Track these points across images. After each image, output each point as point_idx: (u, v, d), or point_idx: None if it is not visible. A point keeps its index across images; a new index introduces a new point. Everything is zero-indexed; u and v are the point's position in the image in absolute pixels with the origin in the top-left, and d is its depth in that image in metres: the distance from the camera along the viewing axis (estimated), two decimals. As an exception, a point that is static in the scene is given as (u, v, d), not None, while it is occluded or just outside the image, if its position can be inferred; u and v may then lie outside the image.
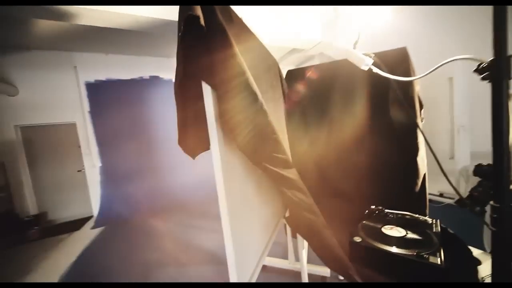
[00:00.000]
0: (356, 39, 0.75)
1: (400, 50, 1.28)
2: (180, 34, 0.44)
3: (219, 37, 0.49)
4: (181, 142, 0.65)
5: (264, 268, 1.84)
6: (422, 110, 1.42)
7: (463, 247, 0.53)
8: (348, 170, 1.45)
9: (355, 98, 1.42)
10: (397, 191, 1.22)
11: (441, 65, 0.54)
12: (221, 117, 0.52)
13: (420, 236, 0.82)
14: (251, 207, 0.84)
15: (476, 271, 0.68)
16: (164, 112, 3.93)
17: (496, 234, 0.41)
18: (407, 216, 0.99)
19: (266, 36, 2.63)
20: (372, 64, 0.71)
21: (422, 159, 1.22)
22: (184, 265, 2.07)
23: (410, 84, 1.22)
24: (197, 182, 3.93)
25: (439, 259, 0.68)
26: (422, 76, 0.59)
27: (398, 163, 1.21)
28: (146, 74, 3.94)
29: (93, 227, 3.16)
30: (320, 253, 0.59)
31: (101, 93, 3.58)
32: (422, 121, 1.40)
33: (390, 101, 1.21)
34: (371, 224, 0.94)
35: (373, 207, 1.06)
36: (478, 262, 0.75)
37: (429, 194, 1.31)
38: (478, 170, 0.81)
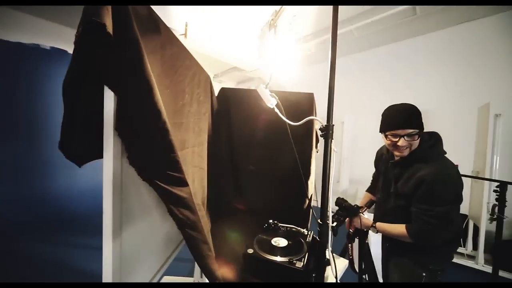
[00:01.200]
0: (268, 82, 0.92)
1: (308, 94, 1.65)
2: (76, 35, 0.41)
3: (130, 49, 0.49)
4: (65, 146, 0.55)
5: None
6: (318, 144, 1.84)
7: (322, 252, 0.71)
8: (260, 189, 1.64)
9: (274, 125, 1.67)
10: (292, 208, 1.49)
11: (307, 119, 0.76)
12: (118, 123, 0.50)
13: (296, 246, 1.03)
14: (149, 221, 0.79)
15: (324, 270, 0.92)
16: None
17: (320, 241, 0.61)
18: (293, 229, 1.22)
19: (210, 49, 2.69)
20: (276, 105, 0.89)
21: (312, 183, 1.57)
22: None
23: (311, 124, 1.57)
24: (87, 189, 3.14)
25: (302, 263, 0.88)
26: (301, 123, 0.80)
27: (295, 184, 1.49)
28: (46, 43, 3.00)
29: None
30: (199, 264, 0.65)
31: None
32: (317, 152, 1.81)
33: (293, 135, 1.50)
34: (264, 237, 1.09)
35: (270, 221, 1.25)
36: (327, 262, 1.03)
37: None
38: (336, 201, 1.16)
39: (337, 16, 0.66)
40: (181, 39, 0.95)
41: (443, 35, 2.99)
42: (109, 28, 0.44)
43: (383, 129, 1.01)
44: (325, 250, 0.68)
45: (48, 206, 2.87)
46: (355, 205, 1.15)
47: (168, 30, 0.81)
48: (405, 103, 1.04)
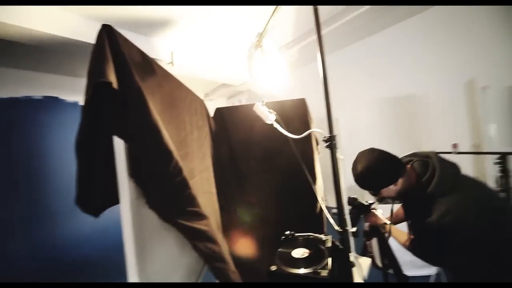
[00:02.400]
0: (263, 100, 0.96)
1: (300, 100, 1.69)
2: (87, 97, 0.44)
3: (134, 97, 0.52)
4: (82, 200, 0.56)
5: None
6: (318, 146, 1.86)
7: (344, 254, 0.72)
8: (270, 202, 1.64)
9: (273, 136, 1.71)
10: (305, 215, 1.49)
11: (309, 132, 0.79)
12: (131, 170, 0.52)
13: (317, 254, 1.03)
14: (170, 256, 0.80)
15: (351, 272, 0.92)
16: (61, 139, 3.08)
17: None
18: (311, 237, 1.22)
19: (198, 71, 2.77)
20: (275, 120, 0.92)
21: (320, 186, 1.58)
22: None
23: (308, 127, 1.61)
24: (97, 231, 3.09)
25: (327, 271, 0.88)
26: (303, 136, 0.84)
27: (304, 191, 1.50)
28: (37, 94, 3.07)
29: None
30: None
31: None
32: (319, 154, 1.84)
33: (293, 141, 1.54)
34: (284, 250, 1.09)
35: (287, 232, 1.24)
36: (353, 264, 1.03)
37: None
38: (348, 201, 1.18)
39: (318, 17, 0.69)
40: (169, 67, 1.00)
41: (419, 20, 3.13)
42: (115, 85, 0.47)
43: None
44: (349, 256, 0.68)
45: (60, 252, 2.81)
46: (366, 201, 1.16)
47: (161, 68, 0.85)
48: (368, 159, 0.92)
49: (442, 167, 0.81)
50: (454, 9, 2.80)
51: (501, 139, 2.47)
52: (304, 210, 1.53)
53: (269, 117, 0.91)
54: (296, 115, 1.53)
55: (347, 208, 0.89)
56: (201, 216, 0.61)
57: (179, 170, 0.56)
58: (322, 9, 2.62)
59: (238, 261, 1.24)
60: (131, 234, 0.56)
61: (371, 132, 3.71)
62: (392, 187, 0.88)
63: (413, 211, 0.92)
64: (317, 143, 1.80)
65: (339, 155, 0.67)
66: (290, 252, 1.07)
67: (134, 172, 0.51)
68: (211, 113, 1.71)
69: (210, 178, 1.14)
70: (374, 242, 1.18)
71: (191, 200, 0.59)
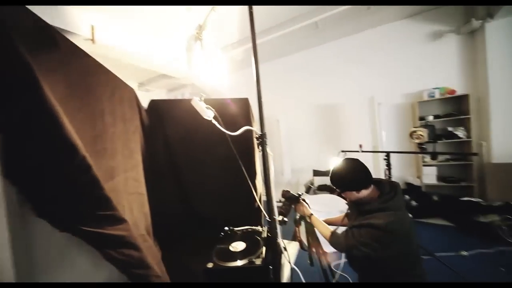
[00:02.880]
0: (201, 94, 0.93)
1: (243, 100, 1.74)
2: None
3: (18, 74, 0.39)
4: None
5: None
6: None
7: (274, 245, 0.78)
8: (209, 199, 1.61)
9: (215, 133, 1.68)
10: (244, 210, 1.54)
11: (244, 129, 0.83)
12: (9, 169, 0.39)
13: (253, 245, 1.09)
14: (78, 272, 0.65)
15: (280, 259, 1.02)
16: None
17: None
18: (249, 230, 1.28)
19: (129, 56, 2.38)
20: (213, 117, 0.91)
21: (260, 181, 1.67)
22: None
23: (249, 124, 1.67)
24: None
25: (261, 259, 0.94)
26: (239, 133, 0.86)
27: (243, 187, 1.54)
28: None
29: None
30: None
31: None
32: (259, 151, 1.94)
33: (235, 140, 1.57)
34: (222, 246, 1.10)
35: (226, 228, 1.26)
36: (284, 248, 1.14)
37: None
38: (282, 194, 1.31)
39: (253, 16, 0.72)
40: (87, 45, 0.82)
41: (345, 43, 3.81)
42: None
43: None
44: (277, 242, 0.76)
45: None
46: (297, 193, 1.32)
47: (69, 42, 0.68)
48: (344, 164, 1.08)
49: (398, 192, 1.03)
50: (375, 37, 3.56)
51: (388, 142, 3.34)
52: (245, 205, 1.59)
53: (207, 113, 0.89)
54: (239, 113, 1.56)
55: (276, 200, 0.98)
56: (118, 221, 0.52)
57: (86, 168, 0.46)
58: (270, 16, 2.78)
59: (174, 263, 1.15)
60: (10, 257, 0.42)
61: (306, 133, 4.26)
62: (354, 193, 1.03)
63: (357, 213, 1.09)
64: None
65: (269, 151, 0.73)
66: (228, 247, 1.09)
67: (10, 171, 0.38)
68: (145, 105, 1.51)
69: (138, 178, 1.00)
70: (302, 228, 1.36)
71: (104, 202, 0.49)
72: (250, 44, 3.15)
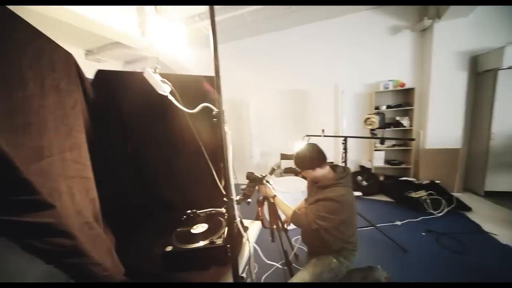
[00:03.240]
0: (156, 66, 0.82)
1: (209, 78, 1.62)
2: None
3: None
4: None
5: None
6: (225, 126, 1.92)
7: (231, 224, 0.78)
8: (171, 181, 1.53)
9: (176, 110, 1.55)
10: (210, 192, 1.52)
11: (202, 106, 0.78)
12: None
13: (215, 226, 1.10)
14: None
15: (240, 238, 1.06)
16: None
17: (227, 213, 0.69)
18: (213, 211, 1.28)
19: (66, 15, 1.95)
20: (170, 92, 0.82)
21: (230, 160, 1.65)
22: None
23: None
24: None
25: (222, 239, 0.96)
26: (196, 110, 0.81)
27: (208, 169, 1.51)
28: None
29: None
30: None
31: None
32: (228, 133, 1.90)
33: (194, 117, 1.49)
34: (183, 229, 1.08)
35: (188, 211, 1.23)
36: (245, 229, 1.19)
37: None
38: (246, 176, 1.32)
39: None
40: None
41: (314, 29, 3.80)
42: None
43: None
44: (235, 222, 0.77)
45: None
46: (261, 174, 1.35)
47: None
48: (304, 147, 1.25)
49: (348, 173, 1.23)
50: (340, 26, 3.63)
51: (348, 128, 3.64)
52: (209, 188, 1.56)
53: (163, 87, 0.79)
54: (203, 92, 1.46)
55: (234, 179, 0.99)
56: (42, 207, 0.44)
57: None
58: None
59: (133, 250, 1.09)
60: None
61: (275, 117, 4.33)
62: (311, 171, 1.21)
63: (315, 192, 1.26)
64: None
65: (227, 130, 0.71)
66: (189, 230, 1.07)
67: None
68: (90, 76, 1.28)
69: (81, 160, 0.87)
70: (265, 208, 1.42)
71: (23, 186, 0.41)
72: (221, 17, 2.91)
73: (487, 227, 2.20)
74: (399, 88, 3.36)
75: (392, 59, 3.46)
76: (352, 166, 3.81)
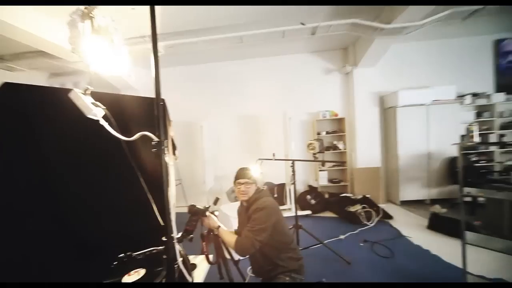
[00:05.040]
0: (87, 87, 0.72)
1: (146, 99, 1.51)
2: None
3: None
4: None
5: None
6: (176, 151, 1.79)
7: (170, 268, 0.67)
8: (100, 218, 1.27)
9: (109, 137, 1.36)
10: (149, 227, 1.32)
11: (140, 135, 0.72)
12: None
13: (155, 270, 0.94)
14: None
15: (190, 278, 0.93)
16: None
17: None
18: (153, 251, 1.10)
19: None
20: (103, 117, 0.72)
21: (172, 194, 1.50)
22: None
23: (166, 130, 1.48)
24: None
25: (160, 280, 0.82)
26: (134, 139, 0.74)
27: (147, 201, 1.33)
28: None
29: None
30: None
31: None
32: (176, 159, 1.76)
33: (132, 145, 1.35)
34: (112, 281, 0.88)
35: (121, 255, 1.02)
36: (193, 267, 1.06)
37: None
38: (188, 209, 1.23)
39: (154, 16, 0.64)
40: None
41: (265, 62, 4.26)
42: None
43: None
44: (175, 264, 0.68)
45: None
46: (204, 206, 1.27)
47: None
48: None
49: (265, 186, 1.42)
50: (288, 62, 4.17)
51: (296, 151, 3.99)
52: (149, 222, 1.36)
53: (94, 111, 0.69)
54: (150, 114, 1.35)
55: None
56: None
57: None
58: (197, 17, 2.67)
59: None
60: None
61: (229, 141, 4.36)
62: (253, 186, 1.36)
63: (243, 215, 1.36)
64: (175, 148, 1.72)
65: (168, 160, 0.66)
66: (120, 280, 0.88)
67: None
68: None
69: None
70: (209, 243, 1.28)
71: None
72: (171, 41, 2.91)
73: (404, 231, 2.68)
74: (334, 117, 4.01)
75: (328, 93, 4.17)
76: (301, 186, 4.12)
